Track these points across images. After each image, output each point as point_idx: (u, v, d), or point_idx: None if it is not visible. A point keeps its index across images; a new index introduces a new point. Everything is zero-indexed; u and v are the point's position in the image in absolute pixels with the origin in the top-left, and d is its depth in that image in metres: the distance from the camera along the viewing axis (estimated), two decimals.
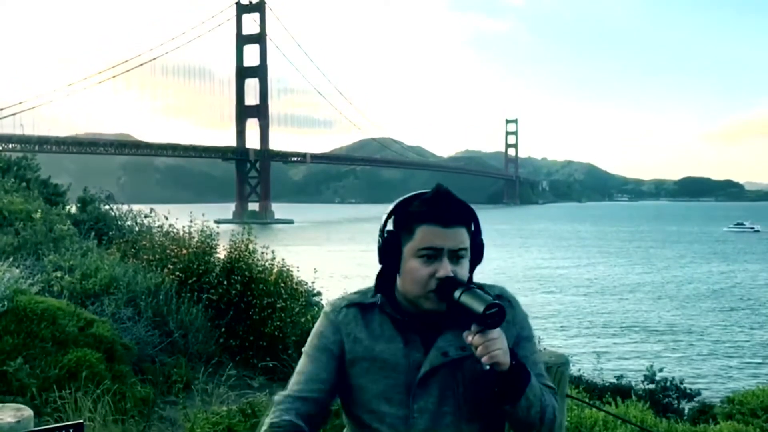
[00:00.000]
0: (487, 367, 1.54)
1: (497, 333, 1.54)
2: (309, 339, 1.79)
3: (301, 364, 1.77)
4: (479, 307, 1.51)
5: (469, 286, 1.59)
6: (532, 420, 1.63)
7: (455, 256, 1.66)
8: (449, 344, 1.67)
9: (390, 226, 1.71)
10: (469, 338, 1.55)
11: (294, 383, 1.74)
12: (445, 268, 1.63)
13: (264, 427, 1.64)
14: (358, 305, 1.76)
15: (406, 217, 1.69)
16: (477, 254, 1.73)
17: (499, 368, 1.55)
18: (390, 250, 1.69)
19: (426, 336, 1.69)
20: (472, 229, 1.72)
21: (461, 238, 1.67)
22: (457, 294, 1.57)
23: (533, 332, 1.79)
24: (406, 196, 1.75)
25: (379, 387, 1.68)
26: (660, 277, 46.91)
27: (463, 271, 1.67)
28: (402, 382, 1.67)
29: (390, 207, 1.73)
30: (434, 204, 1.67)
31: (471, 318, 1.54)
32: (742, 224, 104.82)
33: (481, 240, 1.75)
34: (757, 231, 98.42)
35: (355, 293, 1.81)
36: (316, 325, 1.80)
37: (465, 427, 1.67)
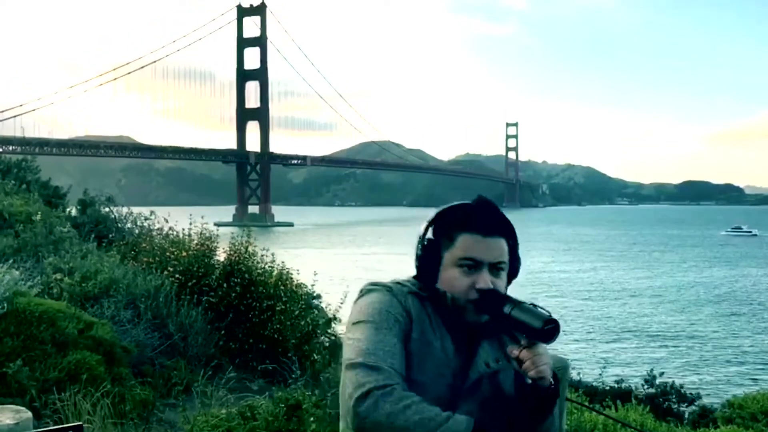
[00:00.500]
0: (530, 381, 1.54)
1: (544, 348, 1.55)
2: (371, 310, 1.64)
3: (374, 336, 1.58)
4: (537, 323, 1.52)
5: (516, 300, 1.59)
6: None
7: (495, 269, 1.67)
8: (488, 355, 1.69)
9: (430, 235, 1.70)
10: (515, 352, 1.55)
11: (374, 351, 1.55)
12: (485, 280, 1.63)
13: (401, 404, 1.47)
14: (417, 295, 1.70)
15: (448, 225, 1.69)
16: (514, 269, 1.74)
17: (543, 383, 1.55)
18: (430, 257, 1.69)
19: (466, 341, 1.69)
20: (511, 242, 1.72)
21: (502, 250, 1.68)
22: (507, 309, 1.57)
23: None
24: (447, 205, 1.75)
25: (437, 389, 1.64)
26: (661, 281, 46.95)
27: (501, 283, 1.68)
28: (450, 383, 1.65)
29: (431, 215, 1.73)
30: (477, 213, 1.68)
31: (523, 332, 1.55)
32: (739, 228, 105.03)
33: (519, 256, 1.75)
34: (755, 235, 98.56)
35: (407, 281, 1.73)
36: (377, 296, 1.67)
37: None
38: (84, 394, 4.39)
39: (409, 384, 1.59)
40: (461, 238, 1.66)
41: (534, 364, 1.53)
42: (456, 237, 1.66)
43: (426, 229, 1.71)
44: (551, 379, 1.56)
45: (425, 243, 1.70)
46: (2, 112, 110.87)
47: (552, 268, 54.60)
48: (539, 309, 1.55)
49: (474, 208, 1.70)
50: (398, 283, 1.73)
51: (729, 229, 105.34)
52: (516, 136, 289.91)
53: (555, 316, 1.54)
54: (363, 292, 1.72)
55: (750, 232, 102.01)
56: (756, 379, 21.03)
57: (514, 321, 1.56)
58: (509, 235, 1.70)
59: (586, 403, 5.01)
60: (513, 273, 1.74)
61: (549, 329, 1.51)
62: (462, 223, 1.67)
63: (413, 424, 1.45)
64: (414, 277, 1.74)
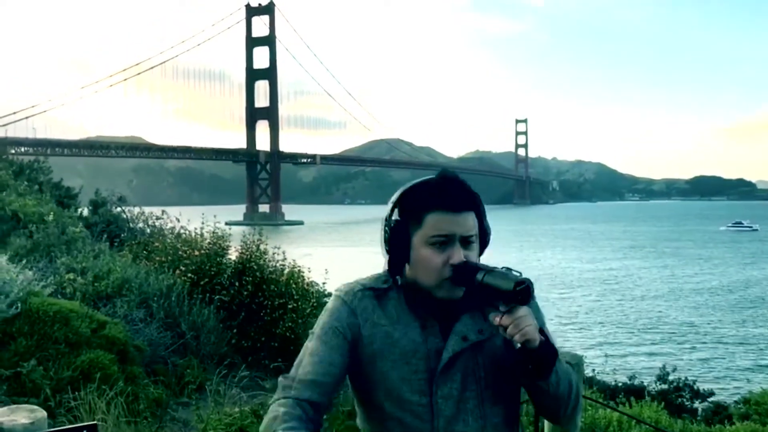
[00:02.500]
0: (518, 346, 1.52)
1: (525, 310, 1.52)
2: (320, 321, 1.72)
3: (311, 347, 1.68)
4: (509, 285, 1.49)
5: (488, 267, 1.57)
6: (562, 395, 1.62)
7: (466, 242, 1.64)
8: (468, 328, 1.65)
9: (396, 216, 1.67)
10: (497, 319, 1.53)
11: (303, 365, 1.66)
12: (459, 255, 1.60)
13: (271, 415, 1.59)
14: (372, 290, 1.71)
15: (414, 205, 1.65)
16: (484, 239, 1.72)
17: (531, 345, 1.52)
18: (398, 239, 1.66)
19: (442, 321, 1.66)
20: (479, 214, 1.69)
21: (471, 223, 1.65)
22: (480, 276, 1.55)
23: (542, 313, 1.75)
24: (410, 183, 1.71)
25: (400, 374, 1.64)
26: (675, 276, 46.71)
27: (474, 256, 1.65)
28: (423, 369, 1.63)
29: (395, 196, 1.70)
30: (443, 190, 1.64)
31: (498, 298, 1.52)
32: (740, 223, 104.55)
33: (488, 225, 1.73)
34: (756, 230, 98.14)
35: (367, 278, 1.76)
36: (328, 307, 1.73)
37: (488, 411, 1.65)
38: (98, 393, 4.40)
39: (378, 377, 1.65)
40: (429, 218, 1.62)
41: (517, 327, 1.51)
42: (424, 217, 1.63)
43: (392, 211, 1.68)
44: (541, 338, 1.53)
45: (392, 225, 1.67)
46: (14, 113, 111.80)
47: (565, 264, 54.45)
48: (512, 272, 1.53)
49: (438, 185, 1.66)
50: (358, 281, 1.74)
51: (730, 225, 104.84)
52: (526, 133, 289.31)
53: (526, 276, 1.51)
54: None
55: (751, 227, 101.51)
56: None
57: (488, 288, 1.53)
58: (476, 207, 1.67)
59: (600, 400, 4.98)
60: (483, 244, 1.71)
61: (521, 289, 1.48)
62: (428, 202, 1.63)
63: (264, 426, 1.58)
64: (386, 269, 1.72)
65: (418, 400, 1.63)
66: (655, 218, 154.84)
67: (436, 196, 1.63)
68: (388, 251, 1.69)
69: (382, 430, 1.69)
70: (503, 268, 1.57)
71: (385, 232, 1.69)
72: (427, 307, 1.67)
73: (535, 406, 1.72)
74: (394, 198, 1.70)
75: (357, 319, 1.67)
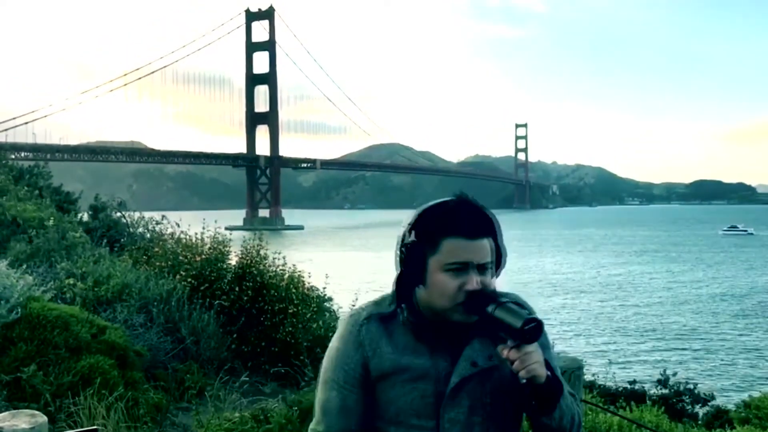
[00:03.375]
0: (524, 381, 1.53)
1: (533, 347, 1.52)
2: (329, 361, 1.73)
3: (328, 396, 1.71)
4: (517, 323, 1.49)
5: (501, 300, 1.57)
6: (563, 428, 1.62)
7: (482, 268, 1.63)
8: (477, 354, 1.65)
9: (412, 237, 1.65)
10: (505, 352, 1.53)
11: (327, 417, 1.70)
12: (473, 281, 1.60)
13: None
14: (379, 316, 1.70)
15: (430, 229, 1.64)
16: (499, 261, 1.71)
17: (537, 381, 1.53)
18: (413, 261, 1.65)
19: (452, 345, 1.66)
20: (495, 239, 1.68)
21: (487, 250, 1.64)
22: (490, 308, 1.55)
23: (549, 340, 1.76)
24: (426, 205, 1.69)
25: (408, 399, 1.64)
26: (676, 280, 46.66)
27: (488, 281, 1.64)
28: (431, 393, 1.63)
29: (410, 217, 1.68)
30: (459, 215, 1.63)
31: (506, 332, 1.53)
32: (735, 227, 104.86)
33: (504, 247, 1.71)
34: (751, 234, 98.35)
35: (373, 303, 1.75)
36: (335, 342, 1.74)
37: None
38: (98, 398, 4.40)
39: (385, 404, 1.65)
40: (446, 244, 1.61)
41: (523, 363, 1.51)
42: (440, 242, 1.62)
43: (408, 232, 1.66)
44: (547, 374, 1.54)
45: (409, 246, 1.66)
46: (14, 118, 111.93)
47: (565, 269, 54.44)
48: (522, 309, 1.53)
49: (455, 209, 1.64)
50: (362, 307, 1.75)
51: (725, 229, 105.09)
52: (525, 137, 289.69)
53: (537, 315, 1.51)
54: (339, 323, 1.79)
55: (746, 231, 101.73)
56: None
57: (497, 321, 1.53)
58: (493, 233, 1.67)
59: (601, 404, 4.97)
60: (499, 265, 1.70)
61: (529, 329, 1.49)
62: (445, 227, 1.62)
63: None
64: (394, 289, 1.71)
65: (425, 424, 1.63)
66: (654, 223, 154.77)
67: (452, 222, 1.62)
68: (402, 271, 1.68)
69: None
70: (513, 301, 1.57)
71: (401, 252, 1.68)
72: (436, 330, 1.66)
73: None
74: (410, 219, 1.68)
75: (365, 350, 1.67)
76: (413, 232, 1.66)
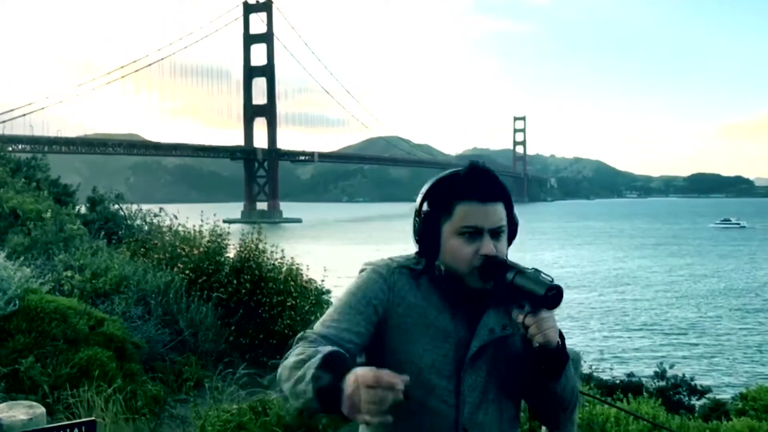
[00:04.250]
0: (537, 345, 1.55)
1: (548, 312, 1.55)
2: (352, 286, 1.69)
3: (339, 310, 1.65)
4: (540, 290, 1.51)
5: (519, 267, 1.58)
6: (566, 398, 1.65)
7: (496, 234, 1.65)
8: (494, 322, 1.67)
9: (426, 207, 1.68)
10: (520, 318, 1.55)
11: (326, 325, 1.62)
12: (488, 246, 1.62)
13: (292, 360, 1.49)
14: (409, 269, 1.70)
15: (444, 196, 1.66)
16: (513, 231, 1.73)
17: (550, 346, 1.55)
18: (428, 230, 1.67)
19: (470, 311, 1.67)
20: (508, 206, 1.70)
21: (500, 215, 1.66)
22: (510, 275, 1.56)
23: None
24: (439, 175, 1.72)
25: (431, 357, 1.64)
26: (675, 273, 46.73)
27: (503, 248, 1.66)
28: (452, 356, 1.64)
29: (425, 187, 1.71)
30: (472, 180, 1.66)
31: (526, 299, 1.54)
32: (728, 220, 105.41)
33: (516, 217, 1.74)
34: (743, 227, 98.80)
35: (400, 257, 1.74)
36: (363, 277, 1.70)
37: (505, 404, 1.69)
38: (96, 390, 4.40)
39: (407, 357, 1.62)
40: (459, 208, 1.64)
41: (539, 328, 1.53)
42: (454, 207, 1.64)
43: (421, 202, 1.69)
44: (558, 341, 1.56)
45: (422, 216, 1.68)
46: (11, 110, 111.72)
47: (565, 261, 54.50)
48: (542, 275, 1.55)
49: (468, 175, 1.67)
50: (393, 259, 1.73)
51: (718, 222, 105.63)
52: (524, 130, 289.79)
53: (557, 282, 1.52)
54: (359, 272, 1.73)
55: (738, 224, 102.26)
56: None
57: (517, 288, 1.55)
58: (505, 198, 1.69)
59: (598, 396, 4.99)
60: (512, 235, 1.73)
61: (552, 295, 1.51)
62: (458, 192, 1.65)
63: (291, 365, 1.47)
64: (416, 253, 1.72)
65: (446, 385, 1.64)
66: (653, 216, 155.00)
67: (465, 187, 1.65)
68: (417, 242, 1.71)
69: (403, 413, 1.53)
70: (532, 269, 1.58)
71: (416, 222, 1.70)
72: (458, 294, 1.67)
73: (532, 409, 1.74)
74: (423, 189, 1.71)
75: (393, 295, 1.66)
76: (426, 202, 1.68)
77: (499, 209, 1.66)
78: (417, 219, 1.69)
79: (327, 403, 1.36)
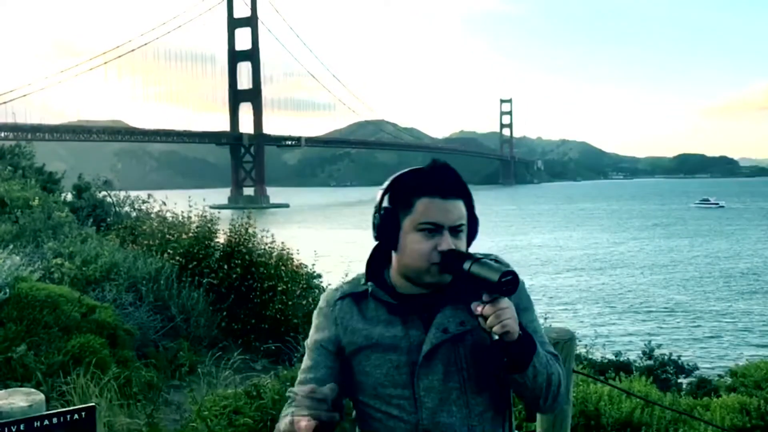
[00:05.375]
0: (497, 337, 1.53)
1: (507, 302, 1.53)
2: (310, 334, 1.81)
3: (306, 359, 1.79)
4: (494, 276, 1.50)
5: (476, 256, 1.58)
6: (539, 387, 1.63)
7: (455, 231, 1.66)
8: (448, 320, 1.67)
9: (386, 203, 1.68)
10: (479, 309, 1.54)
11: (304, 374, 1.76)
12: (447, 242, 1.62)
13: (289, 410, 1.57)
14: (351, 295, 1.75)
15: (404, 191, 1.67)
16: (473, 229, 1.74)
17: (509, 338, 1.53)
18: (388, 226, 1.68)
19: (424, 315, 1.68)
20: (468, 203, 1.71)
21: (460, 212, 1.67)
22: (467, 265, 1.55)
23: (532, 301, 1.77)
24: (401, 172, 1.73)
25: (383, 370, 1.68)
26: (659, 253, 47.12)
27: (461, 245, 1.67)
28: (405, 363, 1.65)
29: (386, 183, 1.72)
30: (432, 176, 1.67)
31: (483, 288, 1.53)
32: (707, 200, 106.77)
33: (476, 216, 1.75)
34: (722, 207, 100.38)
35: (347, 283, 1.80)
36: (314, 320, 1.81)
37: (472, 401, 1.66)
38: (91, 377, 4.40)
39: (363, 378, 1.71)
40: (419, 203, 1.64)
41: (497, 318, 1.51)
42: (414, 202, 1.65)
43: (382, 197, 1.69)
44: (519, 331, 1.54)
45: (382, 212, 1.69)
46: None
47: (553, 243, 54.80)
48: (498, 263, 1.55)
49: (430, 171, 1.68)
50: (336, 289, 1.80)
51: (697, 201, 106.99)
52: (510, 113, 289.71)
53: (513, 268, 1.52)
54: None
55: (717, 203, 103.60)
56: (759, 346, 21.24)
57: (474, 277, 1.54)
58: (466, 196, 1.69)
59: (592, 375, 5.04)
60: (472, 234, 1.74)
61: (507, 281, 1.50)
62: (419, 187, 1.65)
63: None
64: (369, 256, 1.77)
65: (401, 393, 1.66)
66: (639, 197, 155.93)
67: (426, 182, 1.66)
68: (376, 237, 1.72)
69: (374, 428, 1.72)
70: (492, 257, 1.59)
71: (375, 218, 1.71)
72: (407, 302, 1.69)
73: (517, 396, 1.73)
74: (384, 185, 1.71)
75: (338, 328, 1.73)
76: (387, 197, 1.69)
77: (459, 206, 1.67)
78: (377, 214, 1.70)
79: None
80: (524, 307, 1.71)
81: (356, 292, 1.75)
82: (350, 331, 1.71)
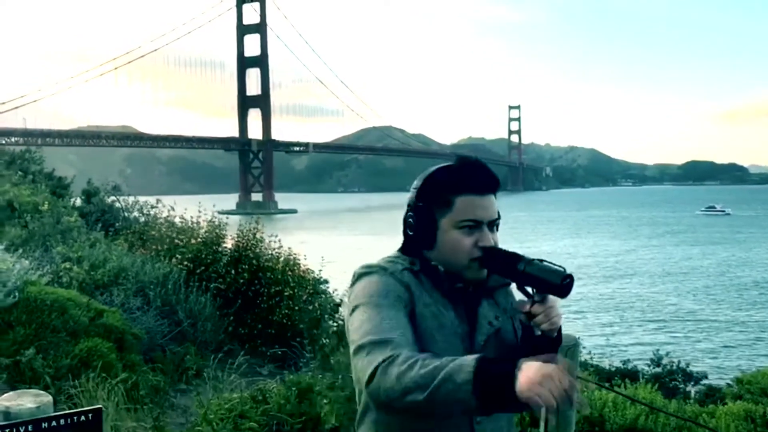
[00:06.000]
0: (539, 333, 1.60)
1: (554, 301, 1.60)
2: (370, 291, 1.62)
3: (378, 314, 1.55)
4: (556, 279, 1.56)
5: (528, 258, 1.62)
6: None
7: (492, 226, 1.70)
8: (488, 314, 1.72)
9: (420, 202, 1.70)
10: (527, 307, 1.60)
11: (383, 335, 1.49)
12: (488, 238, 1.67)
13: (416, 369, 1.37)
14: (410, 270, 1.68)
15: (441, 190, 1.69)
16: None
17: (552, 334, 1.62)
18: (424, 223, 1.69)
19: (466, 305, 1.71)
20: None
21: (495, 207, 1.71)
22: (521, 266, 1.61)
23: None
24: (432, 169, 1.73)
25: (442, 354, 1.55)
26: (674, 261, 46.87)
27: (498, 239, 1.72)
28: (460, 350, 1.64)
29: (418, 182, 1.73)
30: (469, 173, 1.69)
31: (538, 287, 1.59)
32: (713, 207, 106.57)
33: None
34: (728, 214, 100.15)
35: (393, 260, 1.71)
36: (373, 281, 1.64)
37: None
38: (98, 380, 4.42)
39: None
40: (459, 201, 1.66)
41: (547, 316, 1.59)
42: (453, 200, 1.67)
43: (416, 196, 1.71)
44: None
45: (417, 210, 1.70)
46: (3, 103, 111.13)
47: (562, 249, 54.63)
48: (553, 265, 1.59)
49: (465, 168, 1.70)
50: (390, 261, 1.71)
51: (703, 209, 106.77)
52: (519, 119, 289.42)
53: (569, 270, 1.57)
54: (357, 276, 1.69)
55: (723, 211, 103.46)
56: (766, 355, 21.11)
57: (531, 277, 1.60)
58: (497, 189, 1.73)
59: (596, 381, 5.04)
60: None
61: (567, 284, 1.56)
62: (456, 185, 1.68)
63: (420, 377, 1.36)
64: (400, 250, 1.73)
65: None
66: (646, 204, 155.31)
67: (463, 180, 1.68)
68: (412, 235, 1.72)
69: (422, 418, 1.56)
70: (537, 259, 1.62)
71: (410, 217, 1.72)
72: (454, 291, 1.70)
73: None
74: (417, 183, 1.73)
75: (411, 293, 1.64)
76: (421, 196, 1.71)
77: (495, 202, 1.71)
78: (411, 213, 1.71)
79: (489, 394, 1.32)
80: None
81: (412, 269, 1.68)
82: (421, 303, 1.64)
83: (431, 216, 1.69)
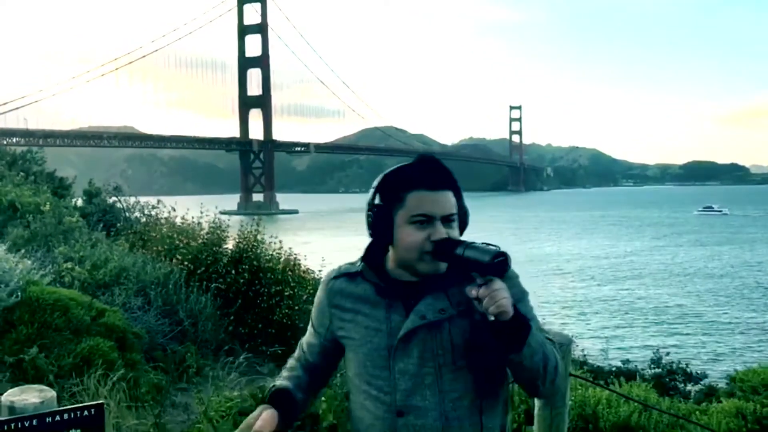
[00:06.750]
0: (492, 318, 1.58)
1: (501, 283, 1.58)
2: (312, 310, 1.98)
3: (308, 333, 2.00)
4: (486, 257, 1.56)
5: (468, 242, 1.64)
6: (536, 367, 1.66)
7: (447, 220, 1.73)
8: (428, 308, 1.73)
9: (378, 201, 1.76)
10: (474, 292, 1.59)
11: (300, 349, 2.02)
12: (440, 232, 1.70)
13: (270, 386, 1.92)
14: (345, 274, 1.87)
15: (394, 187, 1.75)
16: (464, 220, 1.81)
17: (504, 317, 1.57)
18: (382, 221, 1.75)
19: (408, 301, 1.75)
20: (457, 195, 1.78)
21: (450, 203, 1.74)
22: (459, 250, 1.63)
23: (526, 292, 1.80)
24: (390, 168, 1.80)
25: (365, 350, 1.78)
26: (675, 262, 46.81)
27: (455, 234, 1.74)
28: (384, 346, 1.75)
29: (376, 181, 1.79)
30: (420, 170, 1.75)
31: (476, 270, 1.59)
32: (710, 207, 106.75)
33: (465, 206, 1.82)
34: (726, 214, 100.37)
35: (348, 263, 1.92)
36: (317, 297, 1.96)
37: (447, 387, 1.72)
38: (100, 378, 4.48)
39: (350, 355, 1.85)
40: (410, 197, 1.72)
41: (492, 299, 1.56)
42: (405, 196, 1.72)
43: (374, 195, 1.77)
44: (512, 311, 1.58)
45: (375, 209, 1.76)
46: (5, 104, 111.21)
47: (562, 250, 54.61)
48: (489, 246, 1.60)
49: (418, 165, 1.76)
50: (339, 267, 1.93)
51: (701, 209, 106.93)
52: (520, 120, 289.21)
53: (503, 249, 1.58)
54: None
55: (720, 211, 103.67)
56: (761, 350, 21.13)
57: (467, 261, 1.61)
58: (454, 187, 1.77)
59: (590, 379, 5.09)
60: (463, 224, 1.80)
61: (498, 262, 1.56)
62: (408, 181, 1.73)
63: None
64: (368, 248, 1.86)
65: (379, 374, 1.76)
66: (647, 204, 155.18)
67: (414, 176, 1.74)
68: (371, 234, 1.80)
69: (358, 404, 1.85)
70: (483, 243, 1.64)
71: (369, 216, 1.78)
72: (394, 287, 1.78)
73: (515, 381, 1.77)
74: (375, 183, 1.79)
75: (330, 305, 1.88)
76: (378, 195, 1.77)
77: (449, 197, 1.74)
78: (370, 212, 1.77)
79: None
80: (518, 299, 1.71)
81: (350, 271, 1.87)
82: (340, 309, 1.84)
83: (388, 214, 1.74)
